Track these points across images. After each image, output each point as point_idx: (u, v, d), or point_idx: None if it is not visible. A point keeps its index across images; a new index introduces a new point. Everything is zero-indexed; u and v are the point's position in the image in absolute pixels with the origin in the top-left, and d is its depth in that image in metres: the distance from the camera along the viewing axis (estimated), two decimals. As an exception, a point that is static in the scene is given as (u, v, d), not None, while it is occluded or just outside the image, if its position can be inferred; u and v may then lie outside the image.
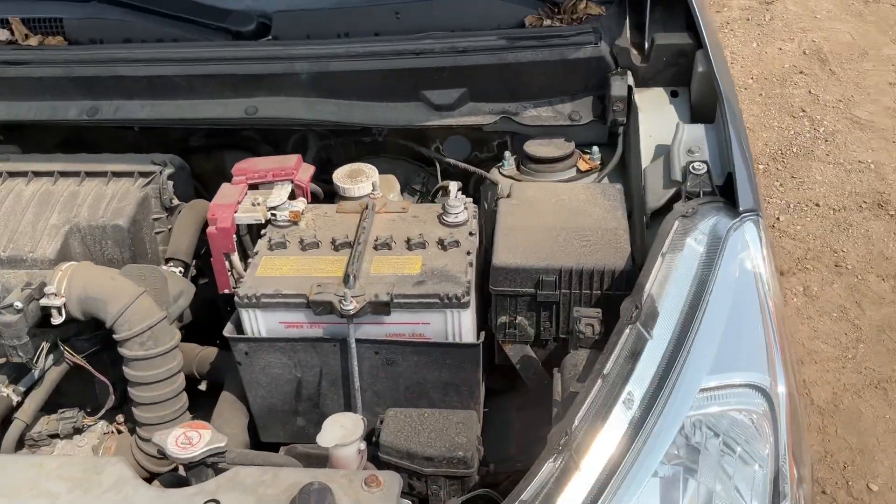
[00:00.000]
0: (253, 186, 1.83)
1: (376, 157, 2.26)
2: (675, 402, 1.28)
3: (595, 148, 2.07)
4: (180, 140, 2.25)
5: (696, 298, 1.40)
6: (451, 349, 1.62)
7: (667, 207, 1.70)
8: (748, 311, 1.43)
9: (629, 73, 2.02)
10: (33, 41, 2.04)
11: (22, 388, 1.73)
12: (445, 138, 2.23)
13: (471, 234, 1.72)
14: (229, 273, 1.80)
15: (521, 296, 1.68)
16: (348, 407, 1.73)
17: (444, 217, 1.76)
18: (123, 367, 1.71)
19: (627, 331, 1.37)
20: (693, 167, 1.75)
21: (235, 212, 1.76)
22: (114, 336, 1.67)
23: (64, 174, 1.82)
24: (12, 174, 1.84)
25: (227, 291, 1.82)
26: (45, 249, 1.69)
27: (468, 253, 1.67)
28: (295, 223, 1.77)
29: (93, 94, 2.01)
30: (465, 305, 1.58)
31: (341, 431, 1.45)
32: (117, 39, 2.05)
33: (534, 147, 2.07)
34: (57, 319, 1.63)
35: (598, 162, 2.06)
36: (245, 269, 1.69)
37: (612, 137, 2.12)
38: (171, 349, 1.70)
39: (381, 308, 1.58)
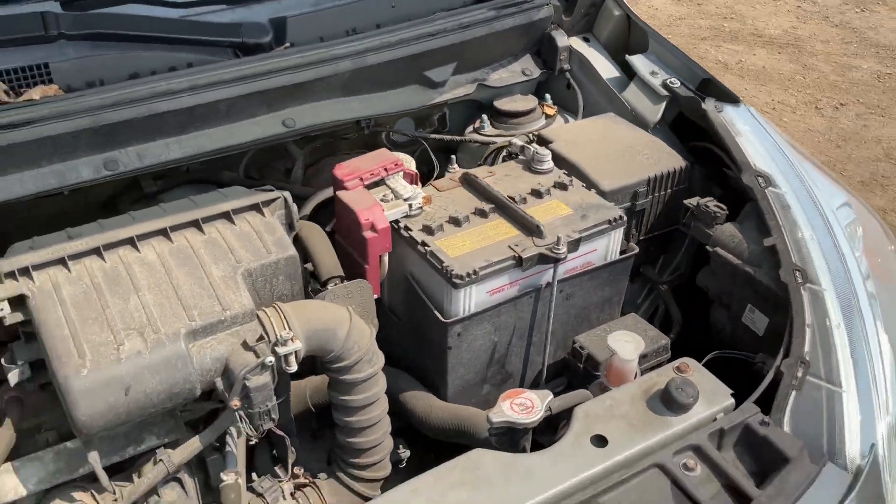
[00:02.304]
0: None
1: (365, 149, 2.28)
2: None
3: (547, 95, 2.41)
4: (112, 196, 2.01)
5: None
6: (615, 266, 1.88)
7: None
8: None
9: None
10: (35, 94, 1.63)
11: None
12: (394, 124, 2.35)
13: (563, 174, 1.96)
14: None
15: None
16: (528, 355, 1.88)
17: (537, 166, 1.96)
18: (342, 397, 1.62)
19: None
20: (670, 82, 2.22)
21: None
22: (339, 364, 1.57)
23: (174, 228, 1.58)
24: (107, 247, 1.52)
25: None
26: (239, 302, 1.48)
27: (583, 187, 1.92)
28: (422, 208, 1.82)
29: (107, 145, 1.71)
30: (624, 223, 1.84)
31: (633, 345, 1.64)
32: (121, 77, 1.74)
33: (507, 104, 2.33)
34: (293, 367, 1.48)
35: (555, 107, 2.40)
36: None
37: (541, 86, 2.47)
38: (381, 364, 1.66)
39: (573, 245, 1.76)
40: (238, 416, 1.48)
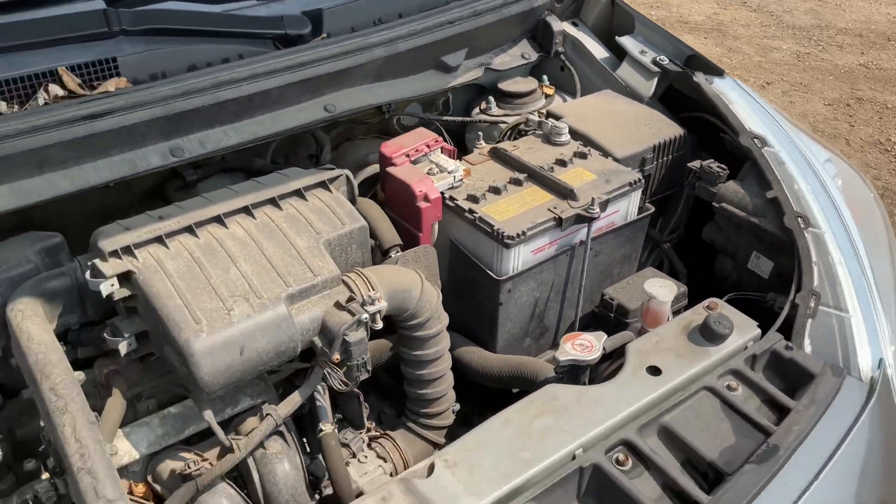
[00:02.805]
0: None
1: (383, 134, 2.43)
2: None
3: (545, 77, 2.61)
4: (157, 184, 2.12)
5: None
6: (634, 224, 2.09)
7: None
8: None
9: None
10: (110, 86, 1.71)
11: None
12: (405, 109, 2.51)
13: (580, 145, 2.16)
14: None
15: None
16: (562, 309, 2.07)
17: (556, 138, 2.15)
18: (414, 352, 1.78)
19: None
20: (659, 59, 2.45)
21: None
22: (413, 322, 1.74)
23: (255, 206, 1.70)
24: (198, 225, 1.64)
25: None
26: (327, 268, 1.62)
27: (600, 156, 2.13)
28: (462, 180, 1.99)
29: (173, 133, 1.82)
30: (642, 185, 2.05)
31: (667, 289, 1.85)
32: (181, 69, 1.84)
33: (511, 86, 2.52)
34: (378, 325, 1.63)
35: (553, 87, 2.60)
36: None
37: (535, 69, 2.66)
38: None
39: (603, 206, 1.96)
40: (327, 374, 1.63)
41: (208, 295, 1.53)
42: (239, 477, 1.61)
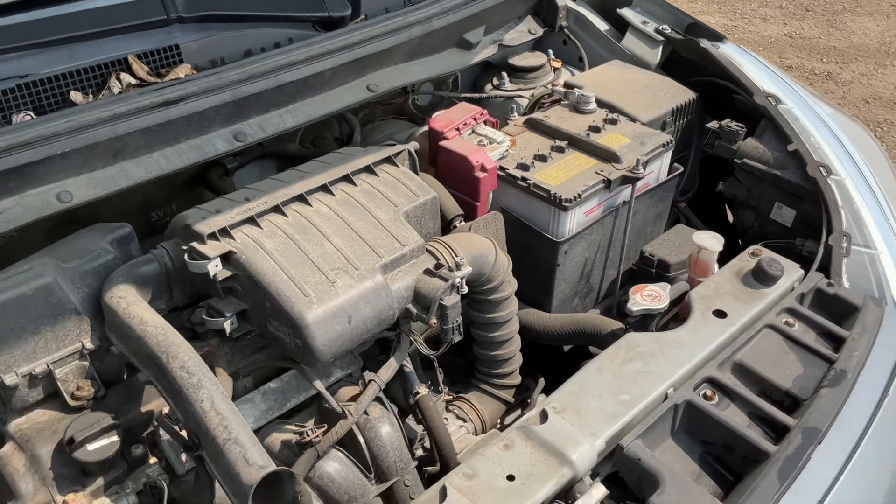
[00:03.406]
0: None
1: (399, 115, 2.49)
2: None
3: (550, 51, 2.70)
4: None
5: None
6: (667, 184, 2.21)
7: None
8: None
9: (553, -12, 2.69)
10: (180, 73, 1.72)
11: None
12: (419, 89, 2.58)
13: (607, 112, 2.27)
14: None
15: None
16: (605, 268, 2.18)
17: (584, 107, 2.26)
18: (488, 315, 1.86)
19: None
20: (662, 28, 2.58)
21: (485, 154, 1.98)
22: (488, 286, 1.82)
23: (331, 183, 1.74)
24: (284, 204, 1.68)
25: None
26: (413, 238, 1.68)
27: (628, 121, 2.24)
28: (509, 151, 2.07)
29: (235, 118, 1.84)
30: (672, 146, 2.17)
31: (715, 240, 1.98)
32: (238, 54, 1.86)
33: (522, 61, 2.61)
34: (465, 290, 1.71)
35: (559, 60, 2.70)
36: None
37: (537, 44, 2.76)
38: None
39: (644, 166, 2.07)
40: (414, 339, 1.71)
41: (309, 269, 1.57)
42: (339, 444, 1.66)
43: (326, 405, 1.67)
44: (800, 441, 1.50)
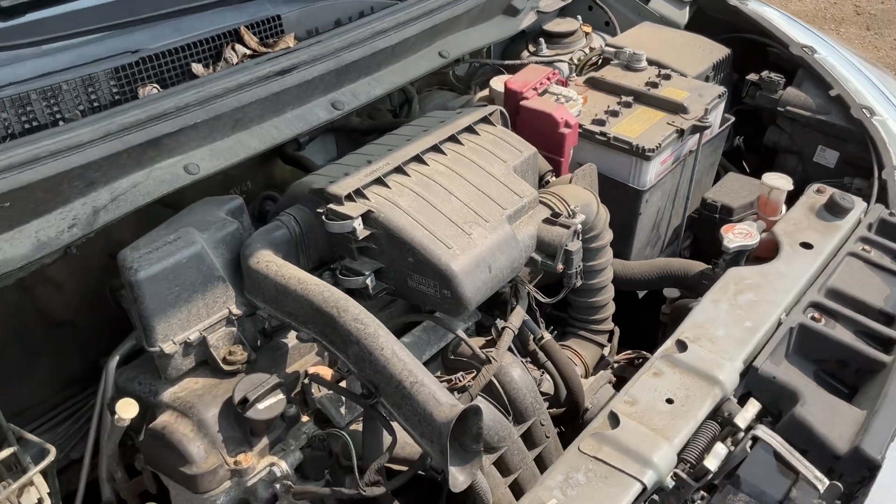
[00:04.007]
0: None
1: (442, 85, 2.55)
2: None
3: (578, 17, 2.80)
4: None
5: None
6: (721, 133, 2.33)
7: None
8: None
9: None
10: (288, 41, 1.73)
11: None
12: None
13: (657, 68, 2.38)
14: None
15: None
16: (670, 217, 2.29)
17: (636, 65, 2.36)
18: (589, 262, 1.95)
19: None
20: (684, -11, 2.70)
21: (565, 112, 2.06)
22: (591, 234, 1.91)
23: (441, 143, 1.79)
24: (404, 164, 1.72)
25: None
26: (528, 191, 1.74)
27: (679, 76, 2.35)
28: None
29: (332, 87, 1.87)
30: (726, 96, 2.30)
31: (784, 180, 2.11)
32: (329, 23, 1.89)
33: (556, 27, 2.69)
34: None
35: (589, 24, 2.80)
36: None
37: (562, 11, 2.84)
38: (606, 232, 2.01)
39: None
40: (530, 288, 1.78)
41: (444, 223, 1.63)
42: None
43: (453, 357, 1.74)
44: (912, 349, 1.64)
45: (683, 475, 1.40)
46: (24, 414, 1.76)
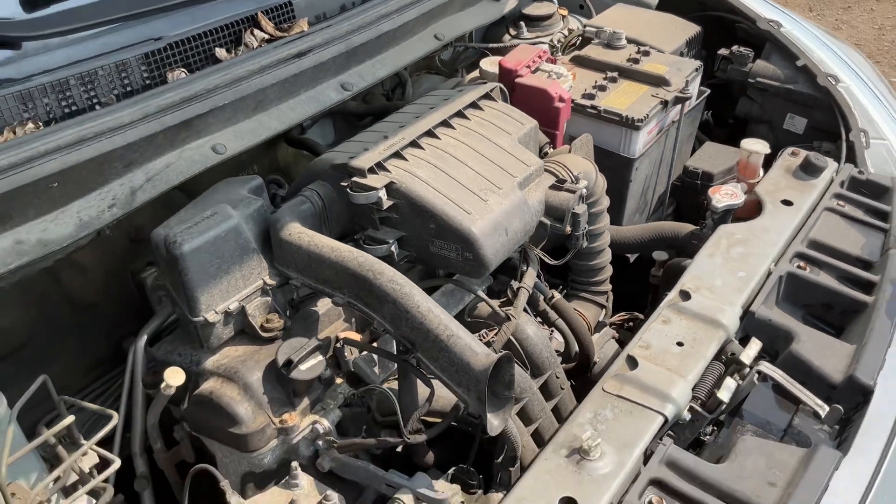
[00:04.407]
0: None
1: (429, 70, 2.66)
2: None
3: (554, 0, 2.93)
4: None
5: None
6: (698, 105, 2.48)
7: None
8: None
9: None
10: (304, 25, 1.81)
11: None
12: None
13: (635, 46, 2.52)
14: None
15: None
16: (655, 184, 2.44)
17: (616, 42, 2.50)
18: (589, 227, 2.07)
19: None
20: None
21: (558, 87, 2.18)
22: (591, 199, 2.03)
23: (450, 118, 1.90)
24: (419, 138, 1.82)
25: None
26: (534, 160, 1.85)
27: (657, 52, 2.50)
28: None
29: (340, 69, 1.96)
30: (702, 70, 2.44)
31: (761, 145, 2.26)
32: (334, 8, 1.98)
33: (537, 10, 2.82)
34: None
35: (565, 7, 2.93)
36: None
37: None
38: (600, 198, 2.14)
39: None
40: (537, 251, 1.91)
41: (461, 191, 1.74)
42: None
43: (469, 319, 1.85)
44: (890, 289, 1.80)
45: (698, 408, 1.54)
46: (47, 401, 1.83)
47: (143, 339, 1.74)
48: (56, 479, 1.35)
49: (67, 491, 1.45)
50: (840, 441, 1.51)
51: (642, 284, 2.38)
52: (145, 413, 1.72)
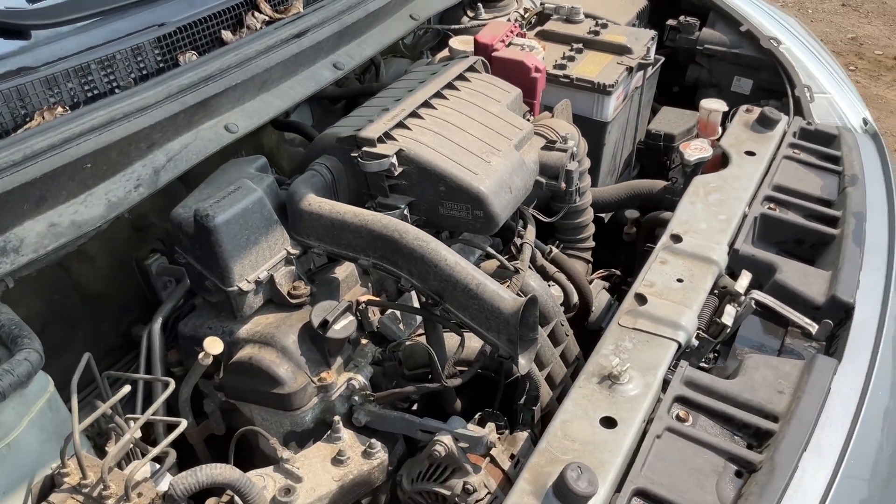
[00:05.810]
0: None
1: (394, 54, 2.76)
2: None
3: (509, -20, 3.06)
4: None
5: None
6: (655, 71, 2.65)
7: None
8: None
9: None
10: (299, 6, 1.87)
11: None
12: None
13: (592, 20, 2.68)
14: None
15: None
16: (623, 147, 2.60)
17: (575, 17, 2.65)
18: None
19: None
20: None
21: (533, 58, 2.31)
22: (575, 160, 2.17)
23: (443, 89, 2.00)
24: (418, 108, 1.91)
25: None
26: (525, 124, 1.97)
27: (613, 24, 2.66)
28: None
29: (330, 49, 2.04)
30: (656, 39, 2.62)
31: (719, 104, 2.44)
32: (329, -11, 2.06)
33: (493, -9, 2.95)
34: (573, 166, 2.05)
35: (521, -13, 3.07)
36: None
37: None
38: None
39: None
40: (531, 211, 2.03)
41: (465, 155, 1.85)
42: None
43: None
44: (853, 221, 1.99)
45: (705, 334, 1.69)
46: (68, 387, 1.85)
47: (159, 321, 1.78)
48: (124, 446, 1.40)
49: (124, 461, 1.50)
50: (831, 353, 1.68)
51: (614, 243, 2.53)
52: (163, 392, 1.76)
